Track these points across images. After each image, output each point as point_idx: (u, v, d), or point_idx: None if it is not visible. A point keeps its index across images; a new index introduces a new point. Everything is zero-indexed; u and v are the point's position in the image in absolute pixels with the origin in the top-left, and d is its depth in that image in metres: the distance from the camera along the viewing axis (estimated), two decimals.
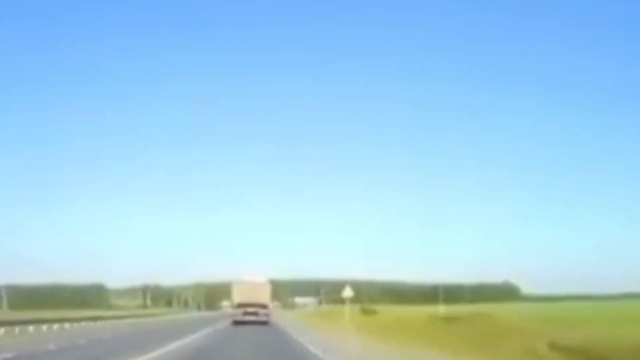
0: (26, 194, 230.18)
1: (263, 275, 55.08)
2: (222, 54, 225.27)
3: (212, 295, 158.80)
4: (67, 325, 44.76)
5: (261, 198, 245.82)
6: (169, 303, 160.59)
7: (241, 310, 50.46)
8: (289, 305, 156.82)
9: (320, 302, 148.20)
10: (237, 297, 52.04)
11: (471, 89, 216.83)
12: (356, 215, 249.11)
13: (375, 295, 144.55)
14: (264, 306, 51.02)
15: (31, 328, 38.87)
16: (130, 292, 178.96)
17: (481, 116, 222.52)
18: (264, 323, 49.17)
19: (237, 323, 49.05)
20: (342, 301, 61.24)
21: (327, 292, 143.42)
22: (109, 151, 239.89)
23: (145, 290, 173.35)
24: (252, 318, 49.54)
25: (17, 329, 36.86)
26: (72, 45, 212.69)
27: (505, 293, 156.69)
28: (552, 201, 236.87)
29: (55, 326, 43.03)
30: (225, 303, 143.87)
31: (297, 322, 64.99)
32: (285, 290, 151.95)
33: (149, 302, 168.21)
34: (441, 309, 70.77)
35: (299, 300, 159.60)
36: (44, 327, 40.72)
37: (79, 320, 50.26)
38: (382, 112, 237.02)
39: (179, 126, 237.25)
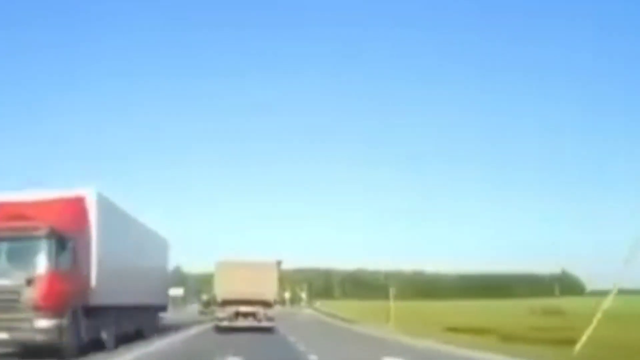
0: None
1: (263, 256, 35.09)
2: (225, 55, 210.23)
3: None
4: None
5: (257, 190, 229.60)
6: None
7: (228, 310, 31.67)
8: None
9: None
10: (223, 288, 32.02)
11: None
12: (390, 205, 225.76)
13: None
14: (266, 304, 31.86)
15: None
16: None
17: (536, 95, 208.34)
18: (266, 330, 30.95)
19: (222, 330, 30.94)
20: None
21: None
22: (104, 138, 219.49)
23: None
24: (247, 323, 31.47)
25: None
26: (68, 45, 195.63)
27: (566, 286, 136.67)
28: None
29: None
30: (173, 292, 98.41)
31: None
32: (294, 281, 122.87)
33: None
34: None
35: None
36: None
37: None
38: (402, 104, 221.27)
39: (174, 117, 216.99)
